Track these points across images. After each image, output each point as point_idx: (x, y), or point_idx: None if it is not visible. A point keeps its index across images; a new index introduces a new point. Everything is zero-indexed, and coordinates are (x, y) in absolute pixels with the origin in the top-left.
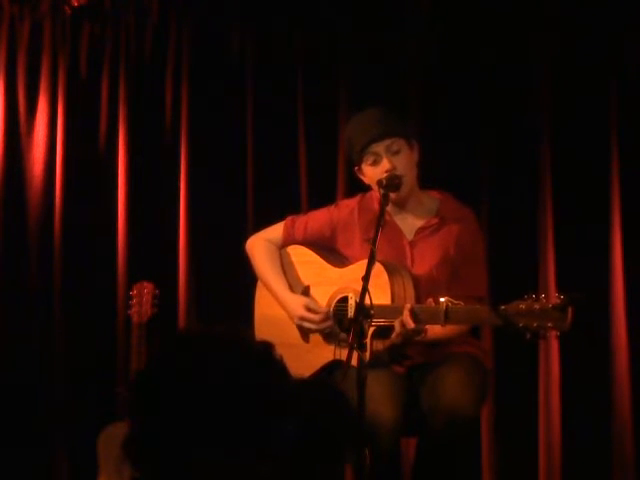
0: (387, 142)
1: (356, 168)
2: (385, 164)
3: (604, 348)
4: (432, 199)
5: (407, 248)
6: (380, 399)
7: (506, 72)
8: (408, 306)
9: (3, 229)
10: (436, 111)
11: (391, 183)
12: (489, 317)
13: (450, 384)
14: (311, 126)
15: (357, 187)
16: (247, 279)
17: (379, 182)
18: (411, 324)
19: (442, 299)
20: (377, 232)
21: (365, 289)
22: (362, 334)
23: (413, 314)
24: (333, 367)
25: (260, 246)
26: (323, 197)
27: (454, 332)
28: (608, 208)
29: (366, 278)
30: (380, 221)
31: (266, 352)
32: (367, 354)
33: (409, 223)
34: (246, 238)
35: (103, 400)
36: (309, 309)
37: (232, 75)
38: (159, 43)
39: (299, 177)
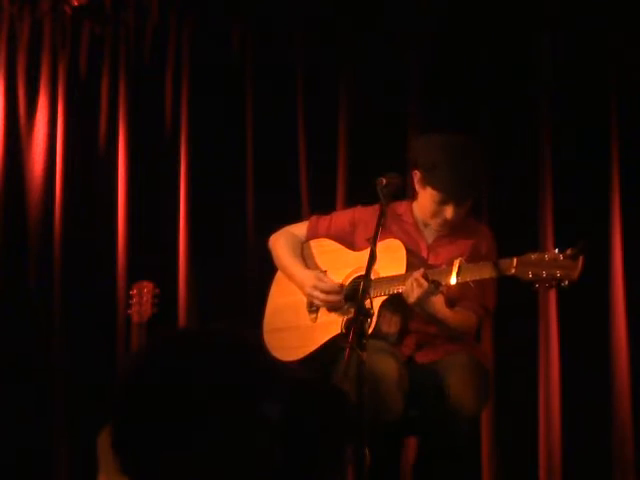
0: (462, 206)
1: (416, 174)
2: (448, 213)
3: (604, 347)
4: (474, 228)
5: (424, 250)
6: (385, 357)
7: (506, 70)
8: (422, 270)
9: (3, 228)
10: (436, 107)
11: (390, 183)
12: (499, 269)
13: (452, 384)
14: (311, 124)
15: (357, 183)
16: (248, 278)
17: (378, 182)
18: (421, 279)
19: (456, 260)
20: (377, 231)
21: (365, 288)
22: (362, 334)
23: (425, 274)
24: (337, 350)
25: (284, 237)
26: (323, 193)
27: (462, 322)
28: (608, 206)
29: (366, 275)
30: (380, 220)
31: (254, 352)
32: (372, 327)
33: (431, 233)
34: (246, 236)
35: (103, 400)
36: (320, 280)
37: (232, 75)
38: (159, 43)
39: (299, 175)
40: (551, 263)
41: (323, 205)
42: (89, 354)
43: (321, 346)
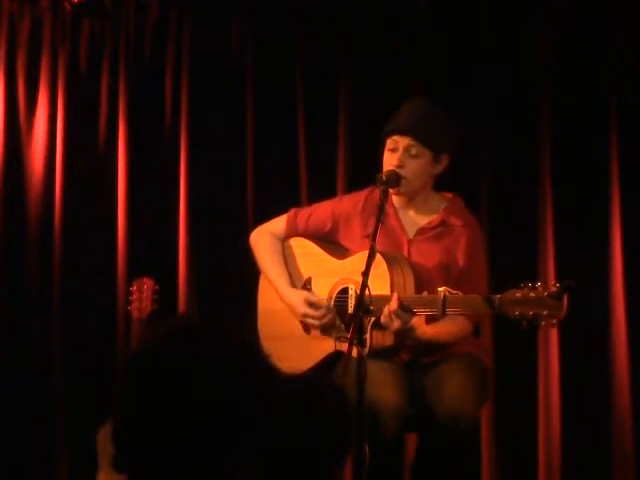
0: (409, 141)
1: (382, 146)
2: (394, 159)
3: (604, 347)
4: (440, 200)
5: (405, 245)
6: (383, 383)
7: (506, 72)
8: (396, 294)
9: (3, 226)
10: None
11: (389, 179)
12: (485, 306)
13: (452, 385)
14: (311, 123)
15: (357, 182)
16: (248, 274)
17: (378, 178)
18: (395, 309)
19: (440, 289)
20: (377, 227)
21: (365, 284)
22: (362, 330)
23: (399, 301)
24: (334, 359)
25: (263, 239)
26: (323, 192)
27: (455, 334)
28: (608, 207)
29: (366, 273)
30: (379, 216)
31: (251, 352)
32: (367, 348)
33: (412, 221)
34: (246, 234)
35: (103, 397)
36: (310, 304)
37: (232, 72)
38: (159, 40)
39: (299, 174)
40: (537, 302)
41: (323, 199)
42: (89, 350)
43: (318, 363)
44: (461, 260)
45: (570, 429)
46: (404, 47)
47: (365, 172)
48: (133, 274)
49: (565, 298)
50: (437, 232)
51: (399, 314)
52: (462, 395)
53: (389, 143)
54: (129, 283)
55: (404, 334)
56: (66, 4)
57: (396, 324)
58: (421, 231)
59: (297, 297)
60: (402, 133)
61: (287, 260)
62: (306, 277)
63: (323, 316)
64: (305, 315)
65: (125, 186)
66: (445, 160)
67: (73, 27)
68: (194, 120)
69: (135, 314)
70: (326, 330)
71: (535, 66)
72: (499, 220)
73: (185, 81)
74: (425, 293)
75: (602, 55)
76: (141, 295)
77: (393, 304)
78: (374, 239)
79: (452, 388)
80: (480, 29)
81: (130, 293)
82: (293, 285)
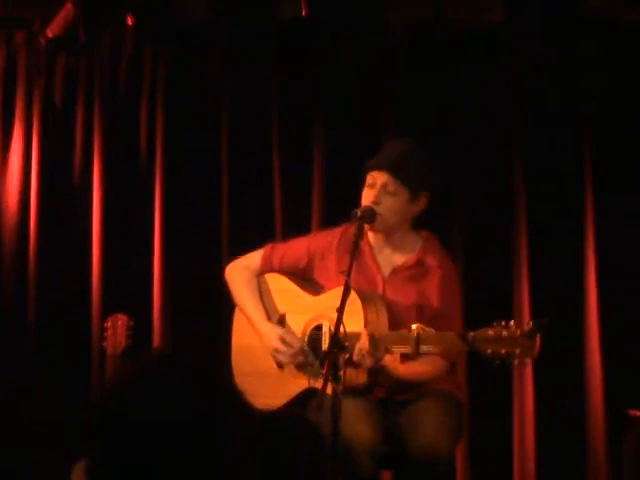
0: (386, 178)
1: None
2: (371, 195)
3: (578, 379)
4: (417, 239)
5: (381, 284)
6: (357, 420)
7: (478, 95)
8: (365, 331)
9: None
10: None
11: (365, 215)
12: (458, 343)
13: (428, 423)
14: (286, 158)
15: (332, 216)
16: (222, 310)
17: (354, 213)
18: (366, 346)
19: (413, 326)
20: (351, 263)
21: (340, 321)
22: (336, 367)
23: (373, 340)
24: (308, 396)
25: (239, 273)
26: (298, 226)
27: (430, 372)
28: (582, 239)
29: (340, 310)
30: (353, 252)
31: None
32: (341, 385)
33: (388, 259)
34: (221, 269)
35: (78, 434)
36: (284, 341)
37: (207, 107)
38: (134, 74)
39: (274, 208)
40: (510, 341)
41: (298, 230)
42: (64, 386)
43: (292, 399)
44: (435, 301)
45: (545, 464)
46: (378, 85)
47: (341, 207)
48: (107, 310)
49: (538, 337)
50: (412, 272)
51: (371, 352)
52: (438, 433)
53: (368, 179)
54: (103, 319)
55: (377, 372)
56: (41, 39)
57: (368, 361)
58: (396, 270)
59: (272, 332)
60: (380, 169)
61: (262, 295)
62: (281, 313)
63: (294, 355)
64: (277, 351)
65: (100, 221)
66: (423, 200)
67: (48, 62)
68: (169, 154)
69: (109, 350)
70: (300, 367)
71: (508, 98)
72: (473, 255)
73: (160, 115)
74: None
75: (574, 90)
76: (115, 331)
77: (364, 341)
78: (349, 275)
79: (428, 426)
80: (452, 67)
81: (104, 329)
82: (268, 320)
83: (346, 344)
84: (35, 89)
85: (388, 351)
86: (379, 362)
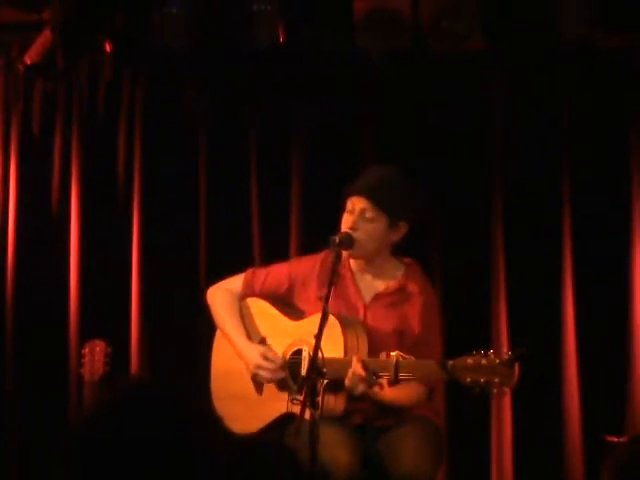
0: (365, 204)
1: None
2: (349, 221)
3: (556, 407)
4: (398, 265)
5: (361, 310)
6: (335, 445)
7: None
8: (356, 357)
9: None
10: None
11: (342, 241)
12: (437, 372)
13: (407, 450)
14: (264, 180)
15: (309, 232)
16: (200, 336)
17: (332, 240)
18: (362, 372)
19: (393, 353)
20: (329, 289)
21: (317, 347)
22: (314, 392)
23: (363, 364)
24: (286, 421)
25: (220, 295)
26: (276, 252)
27: (412, 398)
28: (560, 266)
29: (318, 336)
30: (332, 278)
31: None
32: (319, 411)
33: (369, 285)
34: (199, 295)
35: (55, 461)
36: (266, 358)
37: (185, 132)
38: (112, 100)
39: (251, 233)
40: (488, 369)
41: (277, 256)
42: (41, 413)
43: (269, 424)
44: (416, 328)
45: None
46: (357, 111)
47: (319, 233)
48: (85, 336)
49: (517, 366)
50: (394, 299)
51: (367, 378)
52: (418, 460)
53: (347, 204)
54: (81, 345)
55: (358, 397)
56: (19, 65)
57: (361, 388)
58: (378, 297)
59: (254, 349)
60: (359, 195)
61: (244, 319)
62: (261, 337)
63: (275, 371)
64: (259, 367)
65: (77, 246)
66: (403, 228)
67: (26, 88)
68: (146, 179)
69: (87, 376)
70: (281, 385)
71: (487, 123)
72: (452, 283)
73: (138, 141)
74: (382, 354)
75: (553, 116)
76: (93, 357)
77: (359, 369)
78: (326, 301)
79: (408, 453)
80: (431, 93)
81: (82, 355)
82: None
83: (324, 370)
84: (13, 115)
85: (379, 377)
86: (371, 388)
